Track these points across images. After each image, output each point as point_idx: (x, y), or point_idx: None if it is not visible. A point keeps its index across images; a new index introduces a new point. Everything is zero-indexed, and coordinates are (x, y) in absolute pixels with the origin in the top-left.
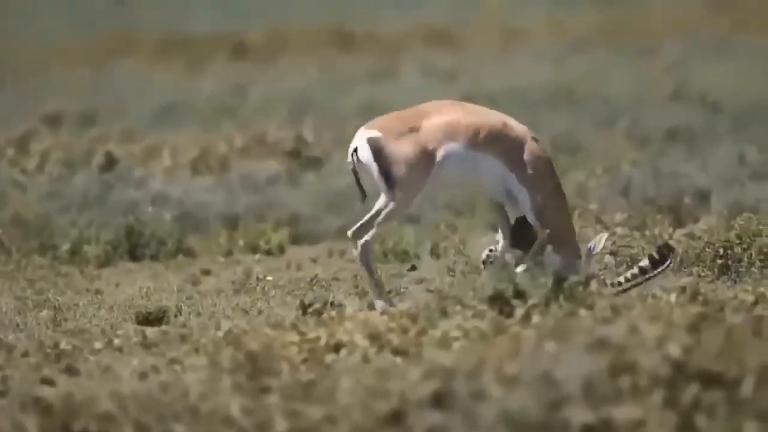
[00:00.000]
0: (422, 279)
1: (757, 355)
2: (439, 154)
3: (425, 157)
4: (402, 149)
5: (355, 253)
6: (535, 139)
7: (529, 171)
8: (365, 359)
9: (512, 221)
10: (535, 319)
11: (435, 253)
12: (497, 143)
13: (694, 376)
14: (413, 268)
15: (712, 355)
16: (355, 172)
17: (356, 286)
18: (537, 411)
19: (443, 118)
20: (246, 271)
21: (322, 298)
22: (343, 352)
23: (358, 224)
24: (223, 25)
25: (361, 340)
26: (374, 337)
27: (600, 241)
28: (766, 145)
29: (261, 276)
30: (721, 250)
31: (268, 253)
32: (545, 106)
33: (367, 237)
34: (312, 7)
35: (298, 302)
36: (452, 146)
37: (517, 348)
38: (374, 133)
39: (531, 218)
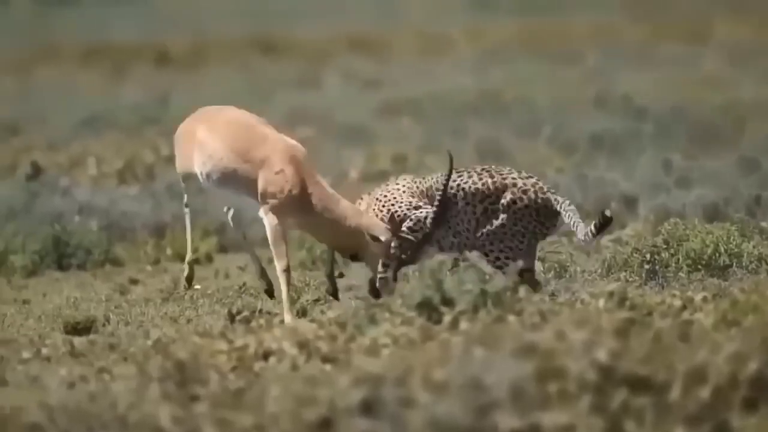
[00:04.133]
0: (351, 286)
1: (685, 359)
2: None
3: None
4: None
5: None
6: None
7: None
8: (294, 367)
9: None
10: (463, 325)
11: None
12: None
13: (622, 381)
14: (341, 275)
15: (639, 359)
16: None
17: None
18: (465, 417)
19: None
20: (174, 279)
21: (251, 306)
22: (271, 359)
23: None
24: (145, 34)
25: (289, 348)
26: (303, 345)
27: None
28: (690, 152)
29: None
30: (648, 256)
31: (196, 261)
32: (468, 113)
33: None
34: (234, 15)
35: (226, 311)
36: None
37: (445, 354)
38: None
39: None
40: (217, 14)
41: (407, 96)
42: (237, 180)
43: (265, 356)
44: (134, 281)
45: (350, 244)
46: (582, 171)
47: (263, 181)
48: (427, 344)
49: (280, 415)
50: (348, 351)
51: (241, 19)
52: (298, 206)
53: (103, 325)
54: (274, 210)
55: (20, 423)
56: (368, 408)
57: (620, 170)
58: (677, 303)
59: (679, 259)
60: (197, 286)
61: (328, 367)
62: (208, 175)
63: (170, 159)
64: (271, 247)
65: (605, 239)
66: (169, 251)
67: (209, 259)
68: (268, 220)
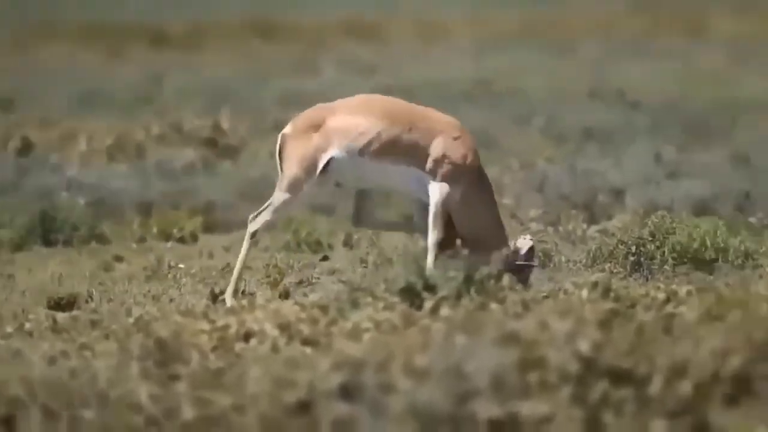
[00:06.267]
0: (334, 270)
1: (667, 353)
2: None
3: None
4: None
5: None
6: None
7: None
8: (275, 349)
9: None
10: (445, 311)
11: (348, 243)
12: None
13: (603, 373)
14: (325, 258)
15: (621, 352)
16: None
17: (268, 276)
18: (445, 404)
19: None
20: (158, 258)
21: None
22: (252, 341)
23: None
24: (144, 14)
25: (271, 330)
26: (284, 327)
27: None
28: (682, 146)
29: (173, 263)
30: (634, 247)
31: (181, 240)
32: (464, 100)
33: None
34: None
35: (209, 290)
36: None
37: (426, 340)
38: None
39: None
40: None
41: (402, 82)
42: (398, 150)
43: (246, 337)
44: (119, 258)
45: (477, 240)
46: (572, 161)
47: (440, 147)
48: (408, 330)
49: (259, 396)
50: (329, 334)
51: (239, 2)
52: (472, 177)
53: (86, 301)
54: (447, 176)
55: (1, 396)
56: (347, 392)
57: (611, 162)
58: (661, 296)
59: (665, 252)
60: (181, 265)
61: (308, 349)
62: (361, 151)
63: (160, 138)
64: (430, 216)
65: (592, 230)
66: (154, 230)
67: (194, 238)
68: (439, 188)
